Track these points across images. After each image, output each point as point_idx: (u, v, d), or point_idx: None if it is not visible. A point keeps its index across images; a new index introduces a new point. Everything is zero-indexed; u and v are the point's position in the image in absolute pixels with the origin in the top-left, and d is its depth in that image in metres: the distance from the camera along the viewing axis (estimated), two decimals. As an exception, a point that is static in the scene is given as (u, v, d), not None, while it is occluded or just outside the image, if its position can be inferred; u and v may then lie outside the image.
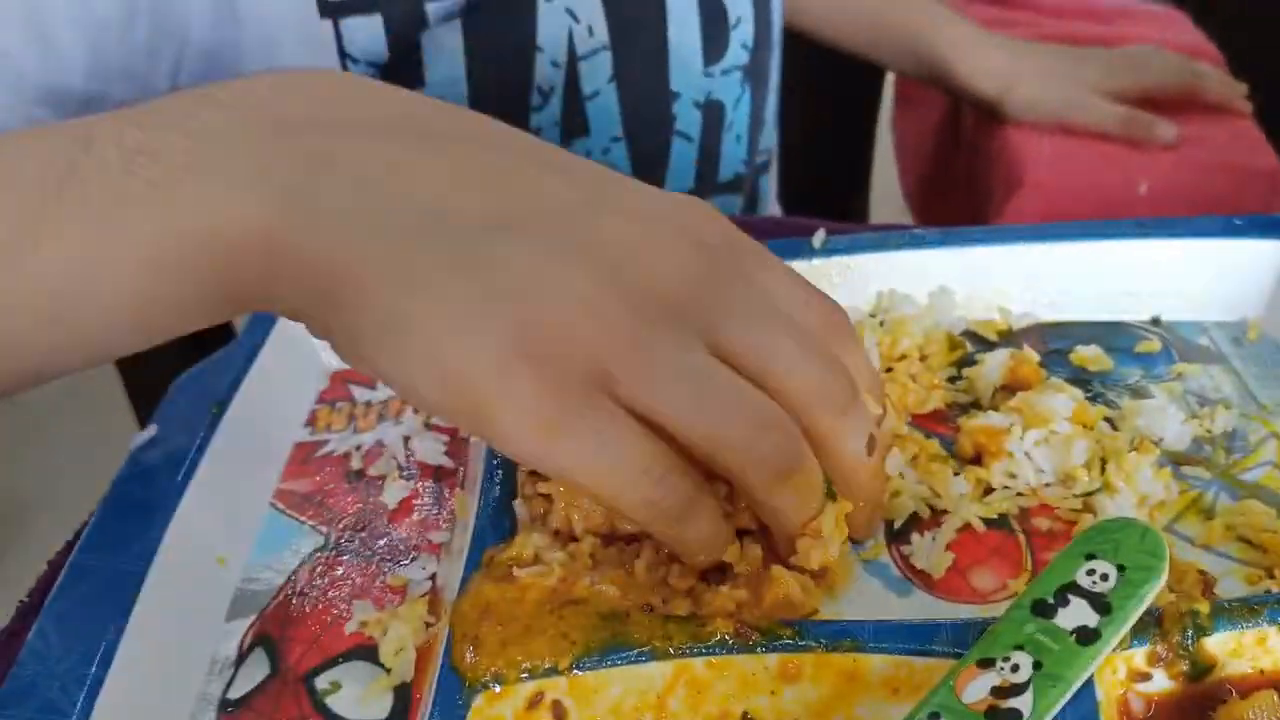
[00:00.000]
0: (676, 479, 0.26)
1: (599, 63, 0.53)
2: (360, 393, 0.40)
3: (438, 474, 0.36)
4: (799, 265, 0.39)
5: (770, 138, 0.68)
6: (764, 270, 0.29)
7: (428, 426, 0.38)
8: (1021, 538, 0.31)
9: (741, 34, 0.57)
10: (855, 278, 0.40)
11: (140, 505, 0.33)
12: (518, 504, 0.32)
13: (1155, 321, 0.39)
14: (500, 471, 0.33)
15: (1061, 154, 0.66)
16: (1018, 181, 0.65)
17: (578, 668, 0.27)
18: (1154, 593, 0.25)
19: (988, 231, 0.40)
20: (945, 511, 0.32)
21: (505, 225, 0.25)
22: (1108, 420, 0.34)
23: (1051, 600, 0.25)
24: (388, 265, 0.24)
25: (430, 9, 0.47)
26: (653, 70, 0.54)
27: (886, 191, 1.12)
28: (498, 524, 0.32)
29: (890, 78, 1.04)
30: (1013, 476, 0.33)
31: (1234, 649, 0.26)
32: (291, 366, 0.40)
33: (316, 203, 0.24)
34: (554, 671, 0.27)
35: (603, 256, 0.25)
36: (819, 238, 0.40)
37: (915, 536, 0.31)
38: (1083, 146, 0.65)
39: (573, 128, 0.54)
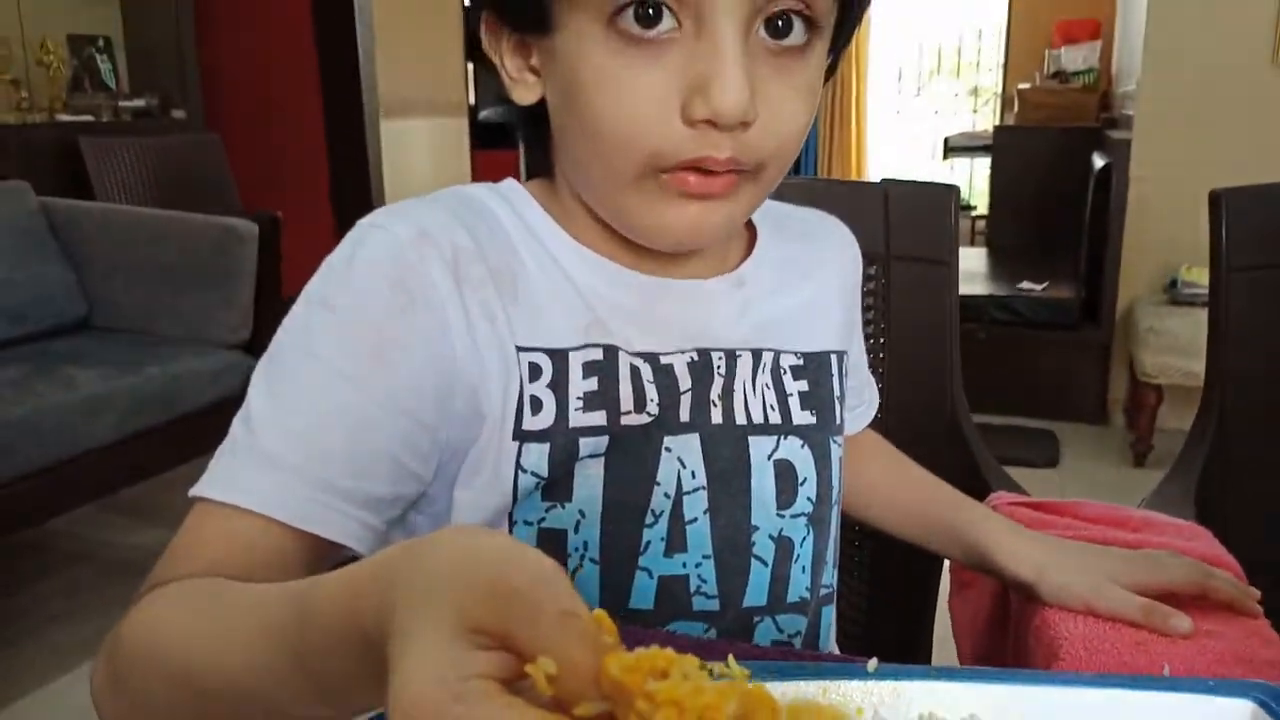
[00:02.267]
0: None
1: (698, 497, 0.67)
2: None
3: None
4: (853, 684, 0.50)
5: (831, 575, 0.79)
6: None
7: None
8: None
9: (807, 489, 0.72)
10: (901, 701, 0.50)
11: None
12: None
13: (1151, 761, 0.48)
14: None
15: (1094, 635, 0.75)
16: (1055, 659, 0.74)
17: None
18: None
19: (1013, 673, 0.51)
20: None
21: None
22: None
23: None
24: None
25: (582, 444, 0.63)
26: (739, 509, 0.69)
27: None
28: None
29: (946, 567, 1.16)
30: None
31: None
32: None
33: None
34: None
35: None
36: (873, 664, 0.51)
37: None
38: (1113, 630, 0.75)
39: (674, 544, 0.67)
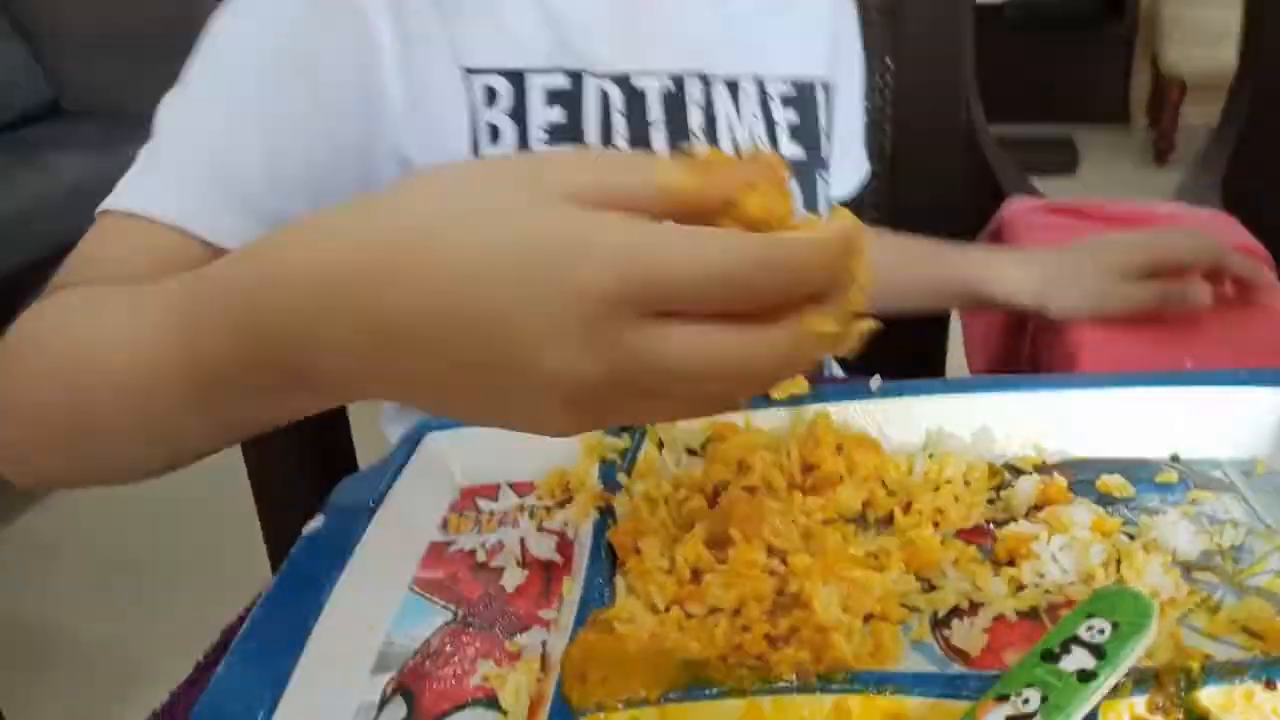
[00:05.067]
0: None
1: None
2: (485, 504, 0.48)
3: (548, 567, 0.43)
4: (857, 404, 0.47)
5: None
6: None
7: (539, 529, 0.45)
8: (1048, 625, 0.36)
9: None
10: (907, 417, 0.47)
11: (308, 578, 0.40)
12: (618, 579, 0.38)
13: (1174, 458, 0.45)
14: (603, 558, 0.40)
15: (1112, 338, 0.72)
16: (1074, 367, 0.71)
17: (665, 700, 0.32)
18: (1144, 643, 0.30)
19: (1024, 379, 0.47)
20: (983, 605, 0.37)
21: None
22: (1126, 534, 0.39)
23: (1057, 650, 0.30)
24: None
25: None
26: None
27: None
28: (599, 598, 0.38)
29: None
30: (1041, 575, 0.38)
31: (1224, 703, 0.30)
32: (430, 481, 0.48)
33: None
34: (646, 703, 0.32)
35: None
36: (875, 382, 0.47)
37: (956, 622, 0.37)
38: (1130, 330, 0.71)
39: None
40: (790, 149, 0.66)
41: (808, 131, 0.67)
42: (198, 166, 0.51)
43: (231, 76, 0.53)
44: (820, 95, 0.69)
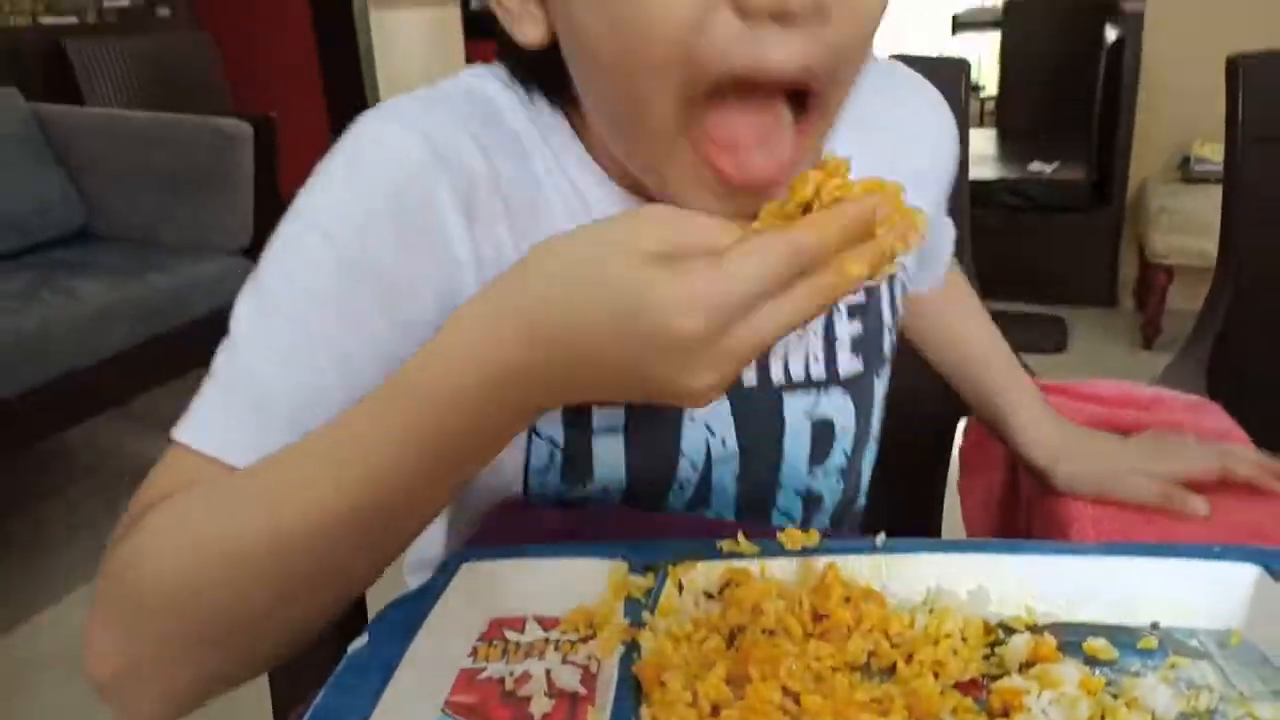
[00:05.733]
0: None
1: (728, 465, 0.65)
2: (512, 635, 0.51)
3: (573, 698, 0.46)
4: (862, 559, 0.50)
5: (855, 520, 0.76)
6: None
7: (564, 662, 0.48)
8: (1039, 774, 0.39)
9: (844, 442, 0.69)
10: (908, 574, 0.51)
11: (352, 691, 0.43)
12: (642, 709, 0.41)
13: (1155, 626, 0.48)
14: (628, 690, 0.43)
15: (1103, 514, 0.75)
16: (1064, 537, 0.74)
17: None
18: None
19: (1018, 543, 0.51)
20: (979, 753, 0.40)
21: None
22: (1110, 694, 0.43)
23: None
24: None
25: (595, 421, 0.61)
26: (766, 469, 0.66)
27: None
28: (624, 728, 0.41)
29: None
30: (1032, 728, 0.41)
31: None
32: (463, 609, 0.51)
33: None
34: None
35: None
36: (880, 538, 0.51)
37: (953, 767, 0.40)
38: (1121, 510, 0.75)
39: (696, 503, 0.65)
40: (849, 365, 0.67)
41: (870, 341, 0.68)
42: (278, 416, 0.50)
43: (310, 306, 0.52)
44: (887, 293, 0.69)
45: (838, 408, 0.68)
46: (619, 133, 0.53)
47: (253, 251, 2.53)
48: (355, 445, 0.45)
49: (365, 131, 0.54)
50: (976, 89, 5.56)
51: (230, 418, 0.51)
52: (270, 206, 2.54)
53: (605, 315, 0.39)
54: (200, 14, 3.65)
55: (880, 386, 0.71)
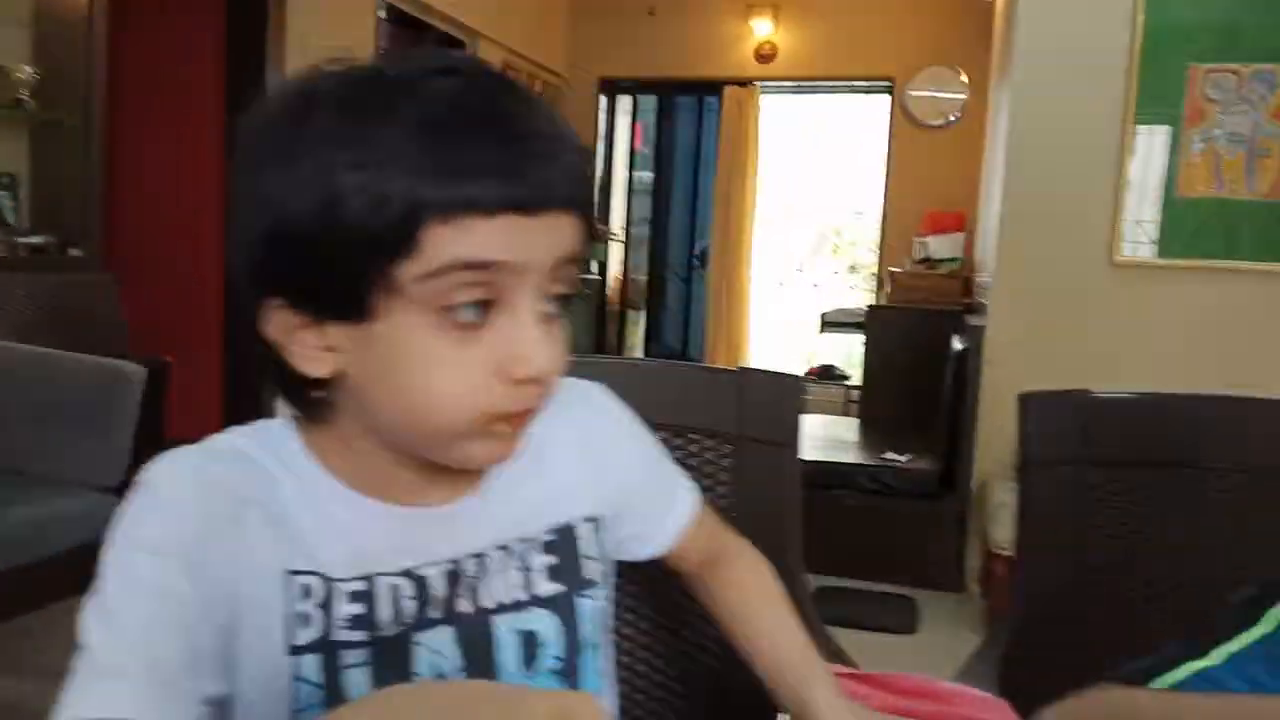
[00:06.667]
0: None
1: (458, 678, 0.74)
2: None
3: None
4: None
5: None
6: None
7: None
8: None
9: (553, 650, 0.78)
10: None
11: None
12: None
13: None
14: None
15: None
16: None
17: None
18: None
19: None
20: None
21: None
22: None
23: None
24: None
25: (345, 655, 0.70)
26: (487, 676, 0.75)
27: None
28: None
29: None
30: None
31: None
32: None
33: None
34: None
35: None
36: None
37: None
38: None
39: None
40: (548, 587, 0.79)
41: (567, 569, 0.80)
42: (132, 665, 0.60)
43: (144, 590, 0.64)
44: (581, 532, 0.82)
45: (541, 622, 0.78)
46: (402, 438, 0.70)
47: (124, 490, 2.52)
48: None
49: (154, 469, 0.69)
50: (843, 378, 6.01)
51: (92, 688, 0.60)
52: (152, 447, 2.55)
53: None
54: (117, 257, 3.76)
55: (590, 601, 0.81)
